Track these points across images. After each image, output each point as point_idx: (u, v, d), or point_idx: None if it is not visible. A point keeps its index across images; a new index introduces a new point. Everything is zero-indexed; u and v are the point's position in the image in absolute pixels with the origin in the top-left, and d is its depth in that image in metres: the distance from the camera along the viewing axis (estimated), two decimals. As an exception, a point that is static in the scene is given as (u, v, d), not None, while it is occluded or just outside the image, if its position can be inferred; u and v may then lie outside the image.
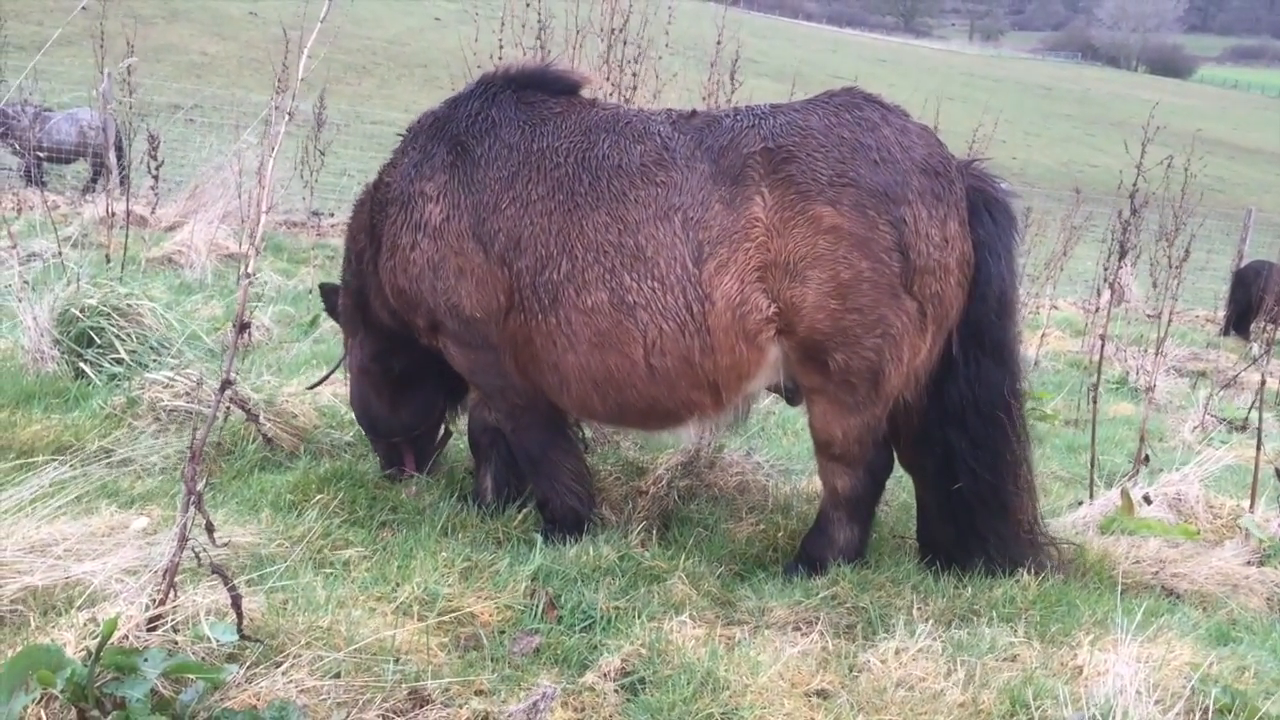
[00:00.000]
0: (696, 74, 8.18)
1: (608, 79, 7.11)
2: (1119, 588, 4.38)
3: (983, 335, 4.49)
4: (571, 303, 4.44)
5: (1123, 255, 6.13)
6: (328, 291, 5.61)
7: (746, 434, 6.59)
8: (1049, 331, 12.71)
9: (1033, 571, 4.57)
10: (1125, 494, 5.57)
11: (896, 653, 3.74)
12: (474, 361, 4.80)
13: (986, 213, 4.46)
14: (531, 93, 4.81)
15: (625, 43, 7.18)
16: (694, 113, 4.67)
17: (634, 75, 7.25)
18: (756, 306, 4.28)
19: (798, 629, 4.08)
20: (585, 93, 4.97)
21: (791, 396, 4.93)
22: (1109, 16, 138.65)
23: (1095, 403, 6.12)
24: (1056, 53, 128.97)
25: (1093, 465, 6.08)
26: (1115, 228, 6.52)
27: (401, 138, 5.01)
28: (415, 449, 5.43)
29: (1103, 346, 6.39)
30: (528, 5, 7.49)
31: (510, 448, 5.06)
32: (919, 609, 4.25)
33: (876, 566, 4.68)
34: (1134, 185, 5.78)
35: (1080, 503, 5.90)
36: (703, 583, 4.46)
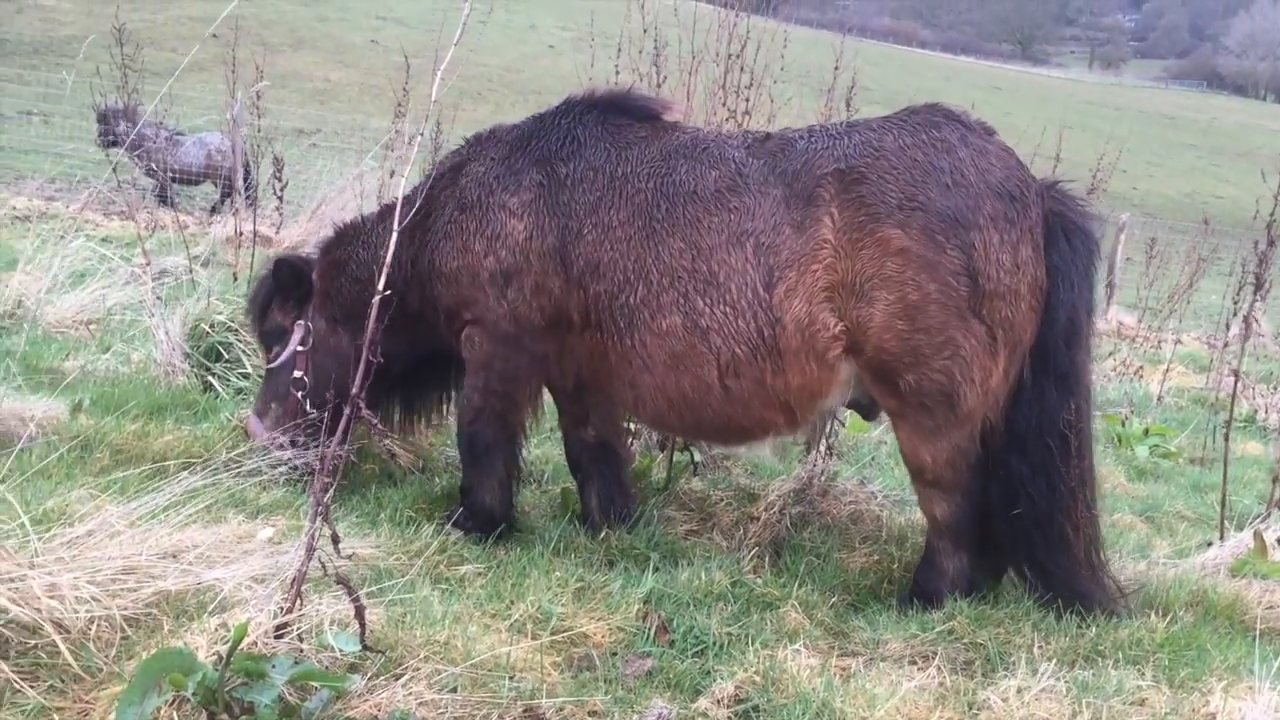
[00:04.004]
0: (811, 101, 8.14)
1: (723, 104, 7.13)
2: (1256, 634, 4.19)
3: (1049, 361, 4.41)
4: (647, 326, 4.53)
5: (1258, 288, 5.90)
6: (290, 265, 5.35)
7: (859, 463, 6.52)
8: (1173, 367, 12.29)
9: (1096, 609, 4.42)
10: (1259, 536, 5.34)
11: (1018, 691, 3.64)
12: (504, 360, 4.85)
13: (1064, 237, 4.39)
14: (616, 116, 4.89)
15: (741, 69, 7.19)
16: (768, 136, 4.69)
17: (748, 101, 7.26)
18: (824, 325, 4.30)
19: (914, 663, 4.00)
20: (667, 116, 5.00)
21: (866, 412, 4.94)
22: (1237, 44, 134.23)
23: (1227, 440, 5.89)
24: (1181, 81, 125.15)
25: (1223, 505, 5.85)
26: (1249, 259, 6.28)
27: (467, 144, 5.11)
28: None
29: (1236, 382, 6.15)
30: (645, 31, 7.56)
31: (461, 433, 5.09)
32: (1040, 647, 4.13)
33: (994, 602, 4.57)
34: (1271, 215, 5.57)
35: (1209, 544, 5.69)
36: (816, 612, 4.41)
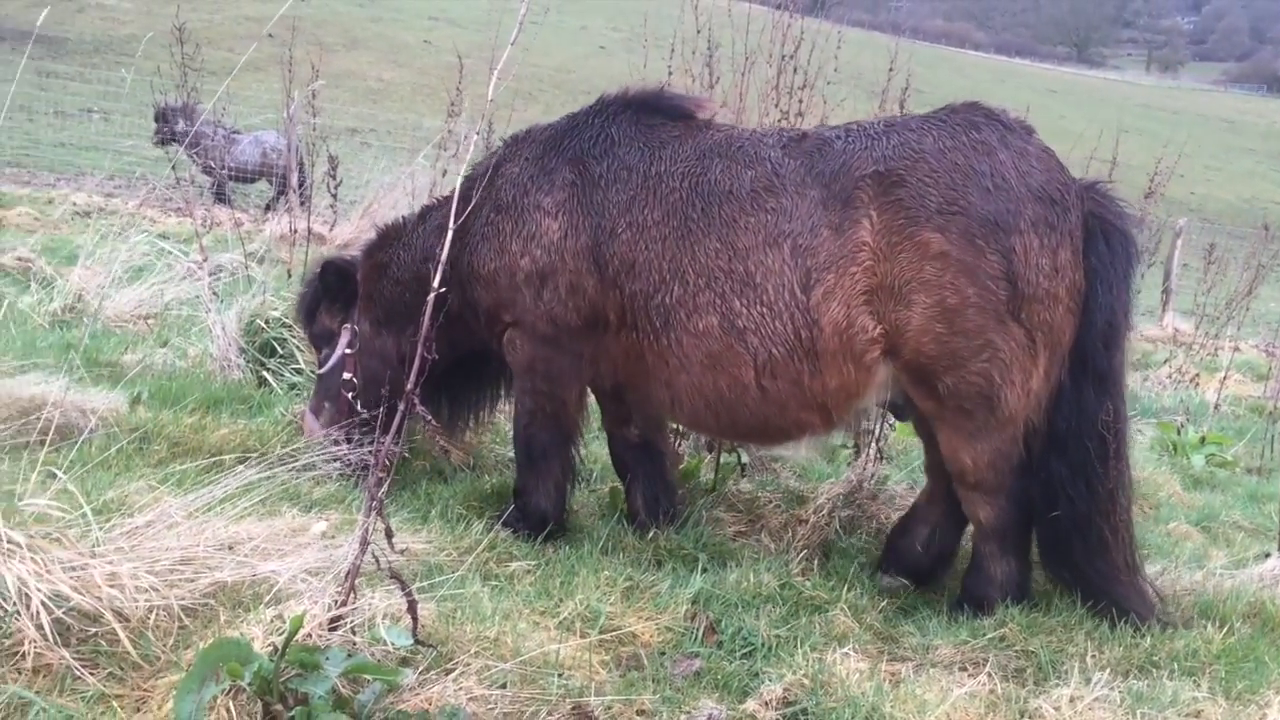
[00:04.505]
0: (864, 103, 8.09)
1: (776, 105, 7.12)
2: (1314, 647, 4.12)
3: (1086, 363, 4.39)
4: (683, 325, 4.52)
5: (1321, 295, 5.79)
6: (337, 268, 5.37)
7: (909, 467, 6.47)
8: (1230, 374, 12.08)
9: (1131, 615, 4.37)
10: (1319, 548, 5.25)
11: (1071, 700, 3.60)
12: (546, 361, 4.86)
13: (1103, 240, 4.36)
14: (650, 115, 4.87)
15: (795, 70, 7.17)
16: (805, 135, 4.65)
17: (801, 102, 7.23)
18: (863, 328, 4.29)
19: (964, 669, 3.97)
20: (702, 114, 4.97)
21: (900, 412, 4.96)
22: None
23: (1286, 450, 5.79)
24: (1240, 84, 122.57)
25: (1282, 516, 5.75)
26: (1311, 266, 6.17)
27: (504, 145, 5.09)
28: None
29: (1296, 391, 6.04)
30: (698, 32, 7.55)
31: (517, 436, 5.08)
32: (1093, 656, 4.09)
33: (1047, 609, 4.52)
34: (1336, 222, 5.47)
35: (1267, 555, 5.59)
36: (865, 616, 4.40)
